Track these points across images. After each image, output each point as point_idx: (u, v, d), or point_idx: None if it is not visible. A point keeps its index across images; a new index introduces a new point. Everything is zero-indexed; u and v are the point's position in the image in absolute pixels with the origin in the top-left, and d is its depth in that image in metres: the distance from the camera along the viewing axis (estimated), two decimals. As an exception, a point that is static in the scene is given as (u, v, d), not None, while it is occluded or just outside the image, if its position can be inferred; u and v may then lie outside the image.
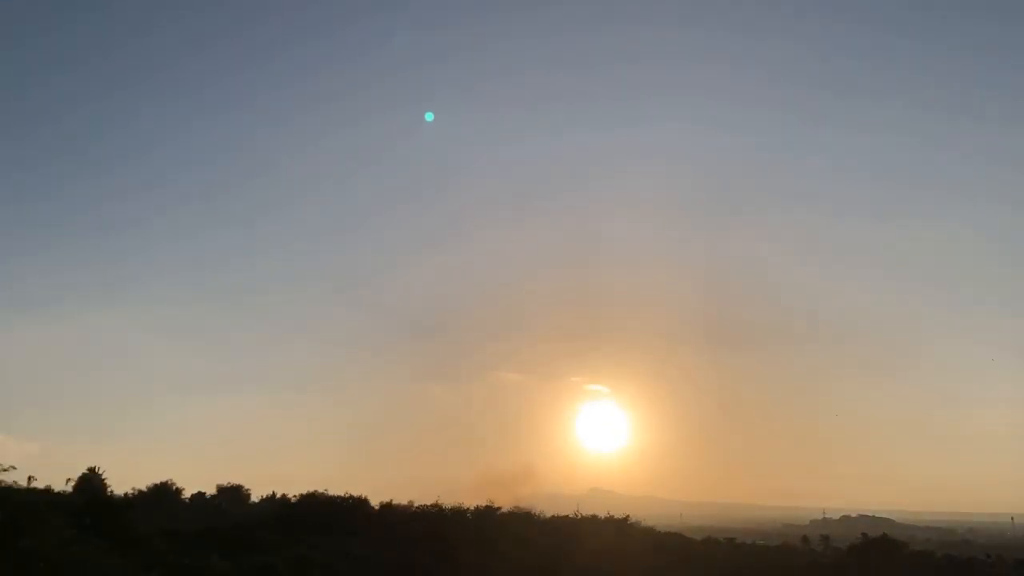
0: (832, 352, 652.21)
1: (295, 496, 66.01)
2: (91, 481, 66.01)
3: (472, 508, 63.42)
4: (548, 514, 65.47)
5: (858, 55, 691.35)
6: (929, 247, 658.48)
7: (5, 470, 32.47)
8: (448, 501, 64.07)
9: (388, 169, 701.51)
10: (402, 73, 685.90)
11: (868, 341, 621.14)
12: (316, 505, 61.95)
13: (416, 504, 64.95)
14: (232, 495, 74.96)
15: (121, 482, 69.89)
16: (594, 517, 63.98)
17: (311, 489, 64.89)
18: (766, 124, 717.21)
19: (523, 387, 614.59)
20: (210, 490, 76.23)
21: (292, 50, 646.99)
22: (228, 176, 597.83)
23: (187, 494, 75.13)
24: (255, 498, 75.39)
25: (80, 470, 67.10)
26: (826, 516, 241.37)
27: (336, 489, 64.58)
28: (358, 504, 63.95)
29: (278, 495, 70.46)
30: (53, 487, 64.93)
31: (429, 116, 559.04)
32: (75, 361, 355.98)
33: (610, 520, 63.22)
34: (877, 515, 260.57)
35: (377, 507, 64.28)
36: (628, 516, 64.76)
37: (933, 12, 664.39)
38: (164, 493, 71.89)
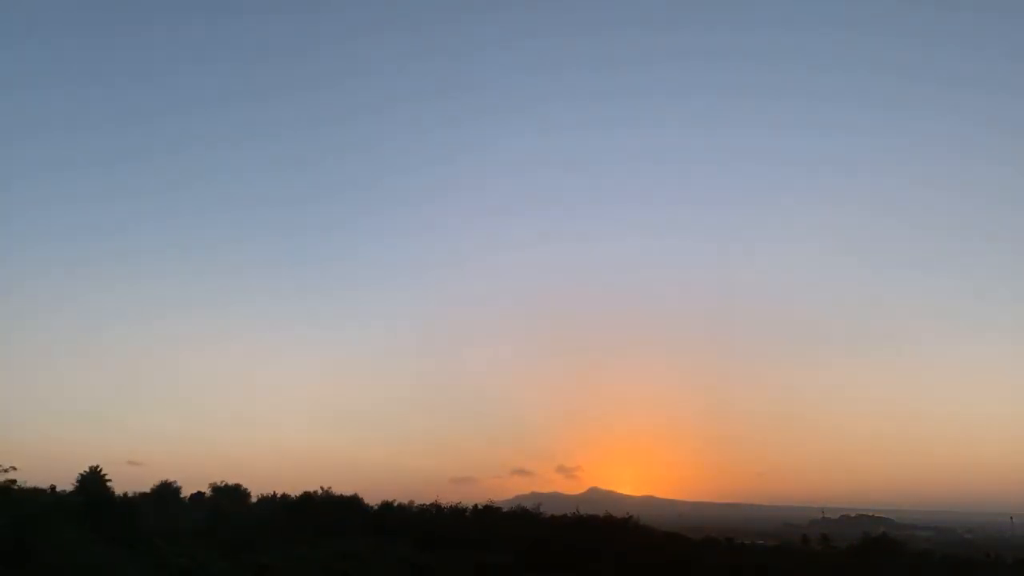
0: (833, 352, 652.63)
1: (295, 495, 66.48)
2: (92, 480, 66.29)
3: (471, 507, 63.71)
4: (548, 514, 65.53)
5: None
6: (930, 246, 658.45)
7: (6, 470, 32.55)
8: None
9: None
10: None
11: (869, 341, 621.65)
12: (315, 504, 62.34)
13: (416, 503, 65.57)
14: (231, 494, 75.20)
15: (121, 481, 70.17)
16: (594, 517, 63.94)
17: (311, 488, 65.38)
18: (768, 122, 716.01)
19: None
20: (214, 487, 76.55)
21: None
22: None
23: (185, 493, 75.43)
24: (254, 497, 75.70)
25: (81, 469, 67.48)
26: (826, 516, 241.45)
27: (337, 488, 65.22)
28: (357, 503, 64.51)
29: (278, 494, 70.80)
30: (55, 487, 65.20)
31: None
32: (75, 358, 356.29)
33: (610, 520, 63.16)
34: (877, 515, 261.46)
35: (376, 506, 64.82)
36: (628, 516, 64.75)
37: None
38: (164, 492, 72.15)
